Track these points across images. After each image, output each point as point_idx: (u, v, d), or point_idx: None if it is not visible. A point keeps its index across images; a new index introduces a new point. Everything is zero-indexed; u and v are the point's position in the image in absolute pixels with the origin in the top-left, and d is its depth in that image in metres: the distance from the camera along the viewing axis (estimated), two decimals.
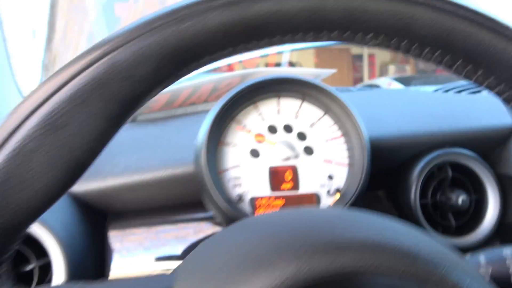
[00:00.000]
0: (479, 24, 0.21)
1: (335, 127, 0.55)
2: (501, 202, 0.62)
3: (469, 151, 0.63)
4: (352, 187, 0.50)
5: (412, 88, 1.08)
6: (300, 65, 4.73)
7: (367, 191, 0.67)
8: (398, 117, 0.65)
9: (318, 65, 4.89)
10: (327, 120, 0.55)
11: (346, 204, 0.49)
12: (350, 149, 0.54)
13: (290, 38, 0.21)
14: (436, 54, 0.21)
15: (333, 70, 0.91)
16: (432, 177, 0.64)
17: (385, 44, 0.21)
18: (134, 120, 0.85)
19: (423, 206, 0.62)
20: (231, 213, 0.47)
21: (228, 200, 0.49)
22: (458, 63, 0.21)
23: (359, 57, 6.13)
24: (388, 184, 0.66)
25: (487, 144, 0.65)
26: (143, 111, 0.83)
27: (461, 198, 0.61)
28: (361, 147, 0.51)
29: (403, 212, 0.63)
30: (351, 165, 0.53)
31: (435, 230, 0.62)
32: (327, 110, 0.55)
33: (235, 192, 0.51)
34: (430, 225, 0.62)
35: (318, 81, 0.54)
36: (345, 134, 0.54)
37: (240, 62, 1.22)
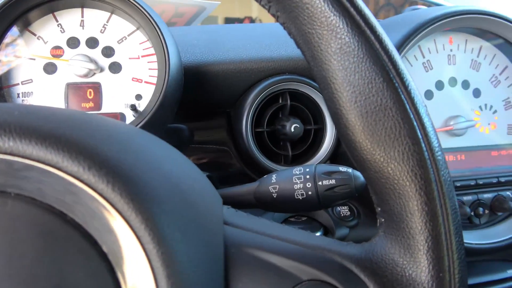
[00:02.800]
0: None
1: (148, 44, 0.51)
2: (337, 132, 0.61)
3: (311, 79, 0.61)
4: (151, 107, 0.48)
5: None
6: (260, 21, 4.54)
7: (208, 120, 0.66)
8: (242, 44, 0.62)
9: None
10: (139, 36, 0.51)
11: (140, 123, 0.47)
12: (161, 68, 0.51)
13: None
14: None
15: (217, 2, 0.86)
16: (271, 105, 0.62)
17: None
18: None
19: (259, 135, 0.61)
20: None
21: None
22: None
23: None
24: (229, 113, 0.64)
25: None
26: None
27: (293, 126, 0.60)
28: (164, 66, 0.48)
29: (238, 141, 0.61)
30: (157, 85, 0.50)
31: (274, 161, 0.61)
32: (139, 26, 0.51)
33: None
34: (267, 155, 0.61)
35: None
36: (158, 53, 0.51)
37: None
